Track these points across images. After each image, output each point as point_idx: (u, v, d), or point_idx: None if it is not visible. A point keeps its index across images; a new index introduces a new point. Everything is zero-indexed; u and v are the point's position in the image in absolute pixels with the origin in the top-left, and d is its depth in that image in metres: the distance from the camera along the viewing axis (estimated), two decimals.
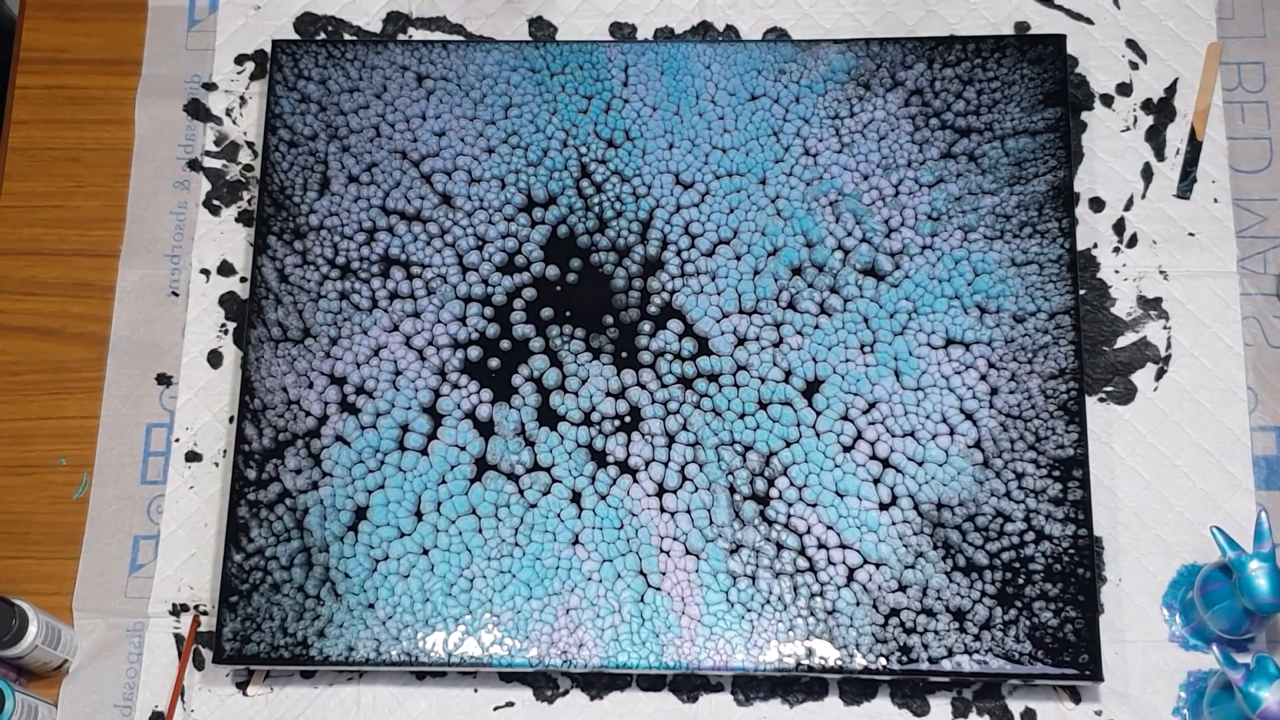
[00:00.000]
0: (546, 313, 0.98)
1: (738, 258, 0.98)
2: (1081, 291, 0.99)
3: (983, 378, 0.95)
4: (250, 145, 1.06)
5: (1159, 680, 0.92)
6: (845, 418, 0.95)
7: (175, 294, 1.03)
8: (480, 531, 0.93)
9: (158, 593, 0.96)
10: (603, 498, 0.94)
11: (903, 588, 0.91)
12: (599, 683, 0.94)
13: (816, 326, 0.96)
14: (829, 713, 0.92)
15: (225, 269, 1.03)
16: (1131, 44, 1.04)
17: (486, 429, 0.95)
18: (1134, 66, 1.04)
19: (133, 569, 0.97)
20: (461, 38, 1.07)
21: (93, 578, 0.97)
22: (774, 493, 0.93)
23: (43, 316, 1.03)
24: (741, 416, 0.95)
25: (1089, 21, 1.05)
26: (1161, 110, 1.03)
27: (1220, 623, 0.88)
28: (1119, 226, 1.01)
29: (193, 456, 0.99)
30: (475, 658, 0.91)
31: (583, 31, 1.07)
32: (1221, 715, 0.87)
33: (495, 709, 0.93)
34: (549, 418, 0.95)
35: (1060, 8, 1.05)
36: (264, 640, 0.91)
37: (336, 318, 0.98)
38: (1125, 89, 1.03)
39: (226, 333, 1.02)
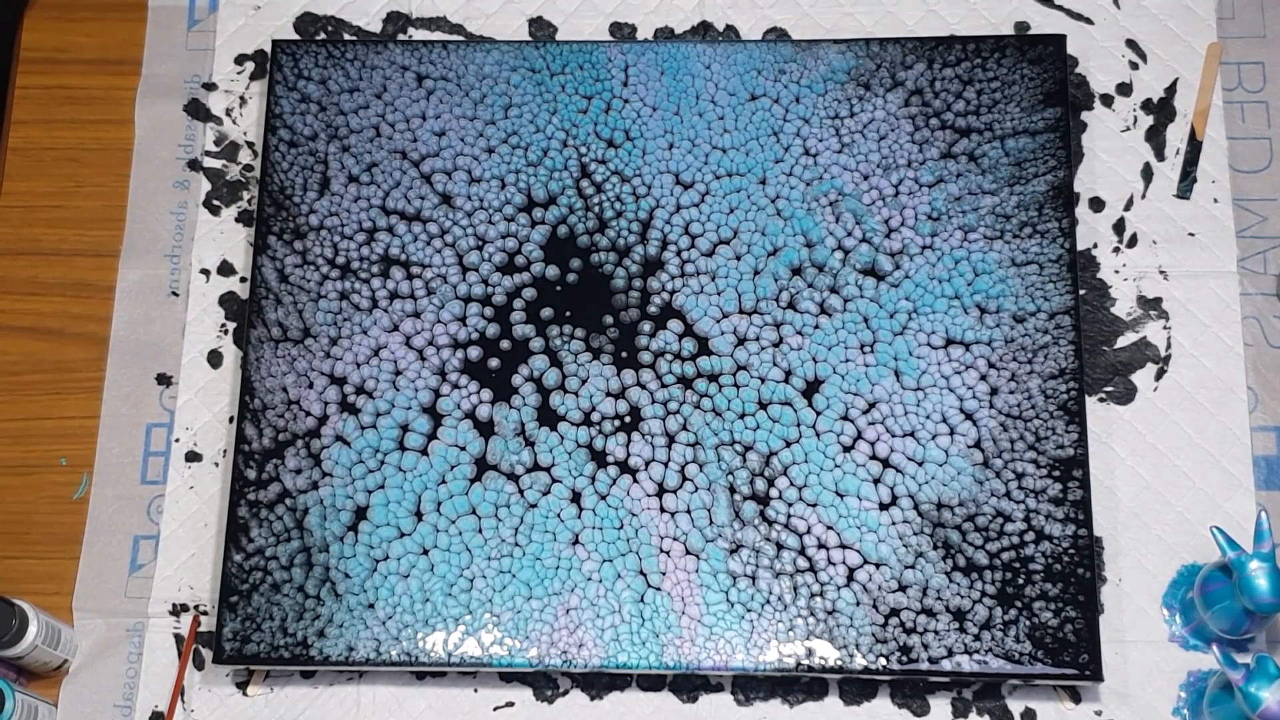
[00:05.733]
0: (546, 313, 0.98)
1: (738, 258, 0.98)
2: (1081, 291, 0.99)
3: (983, 378, 0.95)
4: (250, 145, 1.06)
5: (1159, 680, 0.92)
6: (845, 418, 0.95)
7: (175, 294, 1.03)
8: (480, 531, 0.93)
9: (158, 593, 0.96)
10: (603, 498, 0.94)
11: (903, 588, 0.91)
12: (599, 683, 0.94)
13: (816, 326, 0.96)
14: (829, 713, 0.92)
15: (225, 269, 1.03)
16: (1131, 44, 1.04)
17: (486, 429, 0.95)
18: (1134, 66, 1.04)
19: (133, 569, 0.97)
20: (461, 38, 1.07)
21: (93, 578, 0.97)
22: (774, 493, 0.93)
23: (43, 316, 1.03)
24: (741, 416, 0.95)
25: (1089, 21, 1.05)
26: (1161, 110, 1.03)
27: (1220, 623, 0.88)
28: (1119, 226, 1.01)
29: (193, 456, 0.99)
30: (475, 658, 0.91)
31: (583, 31, 1.07)
32: (1221, 715, 0.87)
33: (495, 709, 0.93)
34: (549, 418, 0.95)
35: (1060, 8, 1.05)
36: (264, 640, 0.91)
37: (336, 318, 0.98)
38: (1125, 89, 1.03)
39: (226, 333, 1.02)
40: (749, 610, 0.91)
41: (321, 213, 1.00)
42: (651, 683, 0.93)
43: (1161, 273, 1.00)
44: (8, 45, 1.09)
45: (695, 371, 0.96)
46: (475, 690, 0.94)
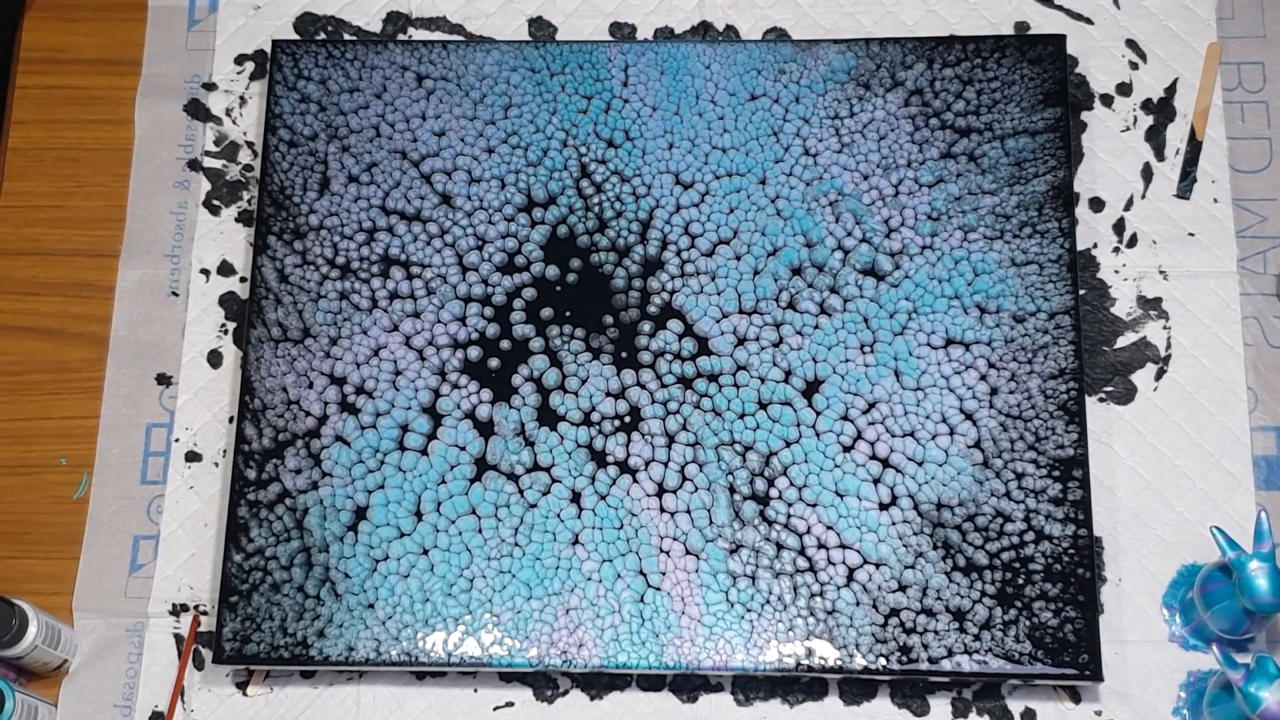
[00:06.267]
0: (546, 313, 0.98)
1: (738, 258, 0.98)
2: (1081, 291, 0.99)
3: (983, 378, 0.95)
4: (250, 145, 1.06)
5: (1159, 680, 0.92)
6: (845, 418, 0.95)
7: (175, 294, 1.03)
8: (480, 531, 0.93)
9: (158, 593, 0.96)
10: (603, 498, 0.94)
11: (903, 588, 0.91)
12: (599, 683, 0.94)
13: (816, 326, 0.96)
14: (829, 713, 0.92)
15: (225, 269, 1.03)
16: (1131, 44, 1.04)
17: (486, 429, 0.95)
18: (1134, 66, 1.04)
19: (133, 569, 0.97)
20: (461, 38, 1.07)
21: (93, 578, 0.97)
22: (774, 493, 0.93)
23: (43, 316, 1.03)
24: (741, 416, 0.95)
25: (1089, 21, 1.05)
26: (1161, 110, 1.03)
27: (1220, 623, 0.88)
28: (1119, 226, 1.01)
29: (193, 456, 0.99)
30: (475, 658, 0.91)
31: (583, 31, 1.07)
32: (1221, 715, 0.87)
33: (495, 709, 0.93)
34: (549, 418, 0.95)
35: (1060, 8, 1.05)
36: (264, 640, 0.91)
37: (336, 318, 0.98)
38: (1125, 89, 1.03)
39: (226, 333, 1.02)
40: (749, 610, 0.91)
41: (321, 213, 1.00)
42: (651, 683, 0.93)
43: (1161, 273, 1.00)
44: (7, 45, 1.09)
45: (695, 371, 0.96)
46: (475, 690, 0.94)
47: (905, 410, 0.95)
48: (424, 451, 0.95)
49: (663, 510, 0.93)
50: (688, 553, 0.92)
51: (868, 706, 0.92)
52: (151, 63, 1.08)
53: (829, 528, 0.92)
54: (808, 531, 0.92)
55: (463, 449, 0.95)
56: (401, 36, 1.07)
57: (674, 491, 0.94)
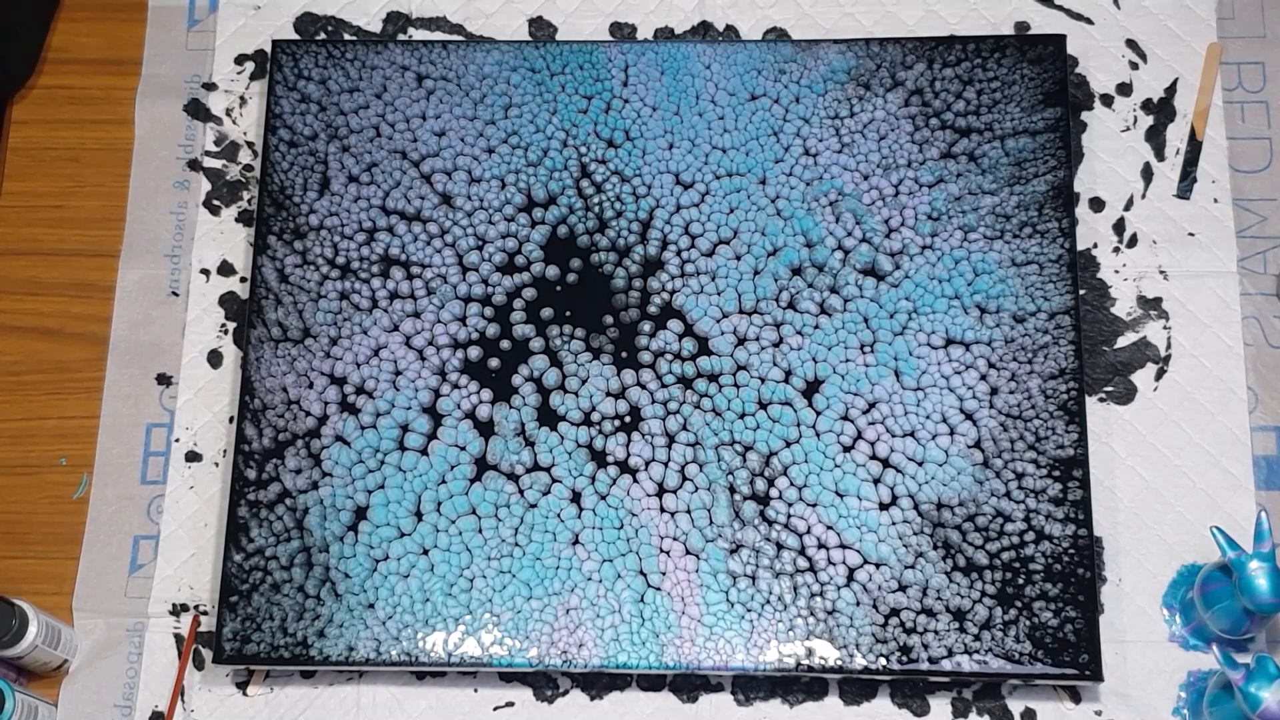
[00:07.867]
0: (546, 313, 0.98)
1: (738, 258, 0.98)
2: (1081, 291, 0.99)
3: (983, 378, 0.95)
4: (250, 145, 1.06)
5: (1159, 680, 0.92)
6: (845, 418, 0.95)
7: (175, 294, 1.03)
8: (480, 531, 0.93)
9: (158, 593, 0.96)
10: (603, 498, 0.94)
11: (903, 588, 0.91)
12: (599, 683, 0.94)
13: (816, 326, 0.96)
14: (829, 713, 0.92)
15: (225, 269, 1.03)
16: (1131, 44, 1.04)
17: (486, 429, 0.95)
18: (1134, 66, 1.04)
19: (133, 569, 0.97)
20: (461, 38, 1.07)
21: (93, 578, 0.97)
22: (774, 493, 0.93)
23: (43, 316, 1.03)
24: (741, 416, 0.95)
25: (1089, 21, 1.05)
26: (1161, 110, 1.03)
27: (1220, 623, 0.88)
28: (1119, 226, 1.01)
29: (193, 456, 0.99)
30: (475, 658, 0.91)
31: (583, 31, 1.07)
32: (1221, 715, 0.87)
33: (495, 709, 0.93)
34: (549, 418, 0.95)
35: (1060, 8, 1.05)
36: (264, 640, 0.91)
37: (336, 318, 0.98)
38: (1125, 89, 1.03)
39: (226, 333, 1.02)
40: (749, 610, 0.91)
41: (321, 213, 1.00)
42: (651, 683, 0.93)
43: (1161, 273, 1.00)
44: (36, 50, 1.09)
45: (695, 371, 0.96)
46: (475, 690, 0.94)
47: (905, 410, 0.95)
48: (424, 451, 0.95)
49: (663, 510, 0.93)
50: (688, 553, 0.92)
51: (868, 706, 0.92)
52: (151, 63, 1.08)
53: (829, 528, 0.92)
54: (808, 531, 0.92)
55: (463, 449, 0.95)
56: (401, 36, 1.07)
57: (674, 491, 0.94)
